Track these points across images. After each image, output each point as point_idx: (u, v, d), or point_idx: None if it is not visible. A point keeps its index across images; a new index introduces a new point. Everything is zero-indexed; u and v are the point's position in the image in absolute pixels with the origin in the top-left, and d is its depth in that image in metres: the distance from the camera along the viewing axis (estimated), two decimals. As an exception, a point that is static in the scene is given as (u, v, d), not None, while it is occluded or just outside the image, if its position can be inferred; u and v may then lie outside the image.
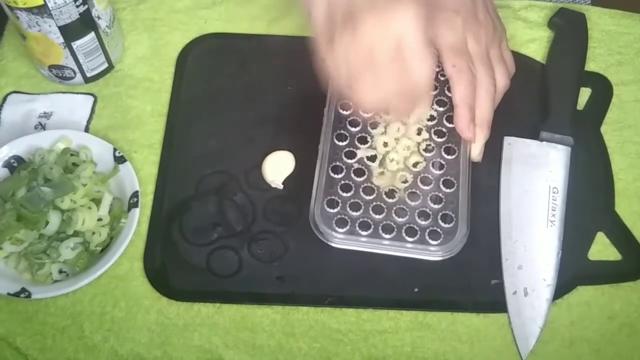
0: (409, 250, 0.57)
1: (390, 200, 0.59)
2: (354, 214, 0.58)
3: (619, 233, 0.61)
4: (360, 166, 0.60)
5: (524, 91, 0.67)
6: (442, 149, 0.61)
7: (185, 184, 0.62)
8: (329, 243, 0.58)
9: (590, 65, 0.70)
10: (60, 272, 0.57)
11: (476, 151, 0.61)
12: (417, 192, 0.59)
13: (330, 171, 0.59)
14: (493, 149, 0.63)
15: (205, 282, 0.58)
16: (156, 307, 0.57)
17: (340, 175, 0.59)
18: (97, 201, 0.59)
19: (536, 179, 0.63)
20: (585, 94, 0.68)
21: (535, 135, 0.64)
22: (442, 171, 0.60)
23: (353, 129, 0.62)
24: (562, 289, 0.58)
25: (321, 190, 0.59)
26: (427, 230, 0.57)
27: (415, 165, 0.60)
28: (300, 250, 0.59)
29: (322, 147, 0.61)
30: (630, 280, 0.59)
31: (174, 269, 0.59)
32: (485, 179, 0.62)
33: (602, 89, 0.69)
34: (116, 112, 0.67)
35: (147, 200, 0.61)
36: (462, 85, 0.59)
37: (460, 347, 0.56)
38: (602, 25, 0.73)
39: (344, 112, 0.62)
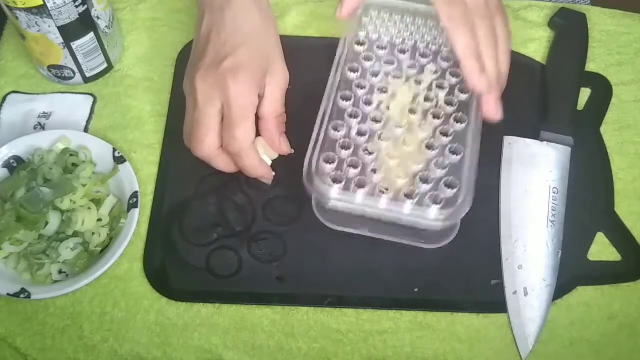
0: (406, 215, 0.54)
1: (392, 162, 0.56)
2: (352, 172, 0.55)
3: (619, 233, 0.61)
4: (362, 127, 0.58)
5: (524, 91, 0.67)
6: (452, 118, 0.58)
7: (185, 184, 0.62)
8: (326, 202, 0.55)
9: (590, 66, 0.70)
10: (60, 272, 0.57)
11: (491, 107, 0.58)
12: (422, 157, 0.57)
13: (330, 129, 0.58)
14: (493, 149, 0.63)
15: (205, 283, 0.58)
16: (156, 308, 0.57)
17: (340, 133, 0.58)
18: (97, 202, 0.59)
19: (536, 179, 0.63)
20: (585, 94, 0.68)
21: (535, 135, 0.65)
22: (450, 139, 0.57)
23: (360, 91, 0.60)
24: (562, 289, 0.58)
25: (318, 147, 0.56)
26: (428, 195, 0.54)
27: (421, 129, 0.58)
28: (300, 250, 0.59)
29: (324, 105, 0.59)
30: (630, 280, 0.59)
31: (174, 269, 0.59)
32: (486, 179, 0.62)
33: (602, 89, 0.69)
34: (116, 112, 0.66)
35: (146, 201, 0.61)
36: (461, 36, 0.56)
37: (460, 348, 0.56)
38: (602, 26, 0.73)
39: (352, 75, 0.61)
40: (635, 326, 0.57)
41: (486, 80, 0.56)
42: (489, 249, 0.60)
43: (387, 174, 0.56)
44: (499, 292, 0.58)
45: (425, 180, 0.55)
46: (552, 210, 0.61)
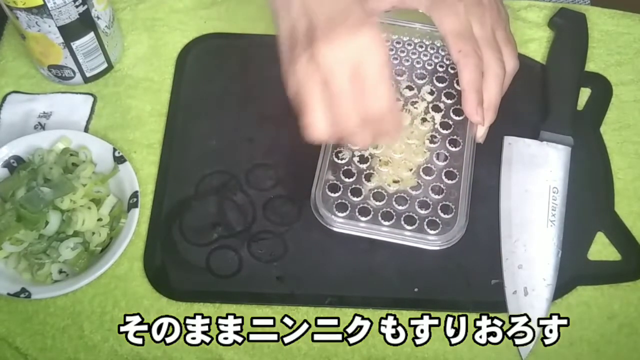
0: (407, 238, 0.58)
1: (392, 189, 0.59)
2: (355, 199, 0.58)
3: (619, 233, 0.61)
4: (363, 153, 0.61)
5: (524, 91, 0.67)
6: (447, 141, 0.62)
7: (185, 184, 0.62)
8: (331, 228, 0.58)
9: (590, 66, 0.70)
10: (60, 272, 0.57)
11: (480, 132, 0.62)
12: (419, 182, 0.60)
13: (333, 156, 0.60)
14: (493, 149, 0.63)
15: (205, 282, 0.58)
16: (156, 307, 0.57)
17: (343, 161, 0.60)
18: (97, 201, 0.59)
19: (536, 178, 0.63)
20: (585, 94, 0.68)
21: (535, 135, 0.65)
22: (445, 162, 0.60)
23: None
24: (561, 288, 0.58)
25: (323, 174, 0.59)
26: (426, 220, 0.58)
27: (419, 155, 0.61)
28: (300, 250, 0.59)
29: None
30: (629, 280, 0.59)
31: (174, 269, 0.59)
32: (485, 179, 0.62)
33: (602, 89, 0.69)
34: (116, 112, 0.67)
35: (146, 201, 0.61)
36: (468, 70, 0.59)
37: (460, 348, 0.56)
38: (602, 26, 0.73)
39: None
40: (635, 326, 0.57)
41: (482, 113, 0.59)
42: (489, 249, 0.60)
43: (388, 200, 0.59)
44: (499, 292, 0.58)
45: (423, 206, 0.58)
46: (552, 210, 0.61)
